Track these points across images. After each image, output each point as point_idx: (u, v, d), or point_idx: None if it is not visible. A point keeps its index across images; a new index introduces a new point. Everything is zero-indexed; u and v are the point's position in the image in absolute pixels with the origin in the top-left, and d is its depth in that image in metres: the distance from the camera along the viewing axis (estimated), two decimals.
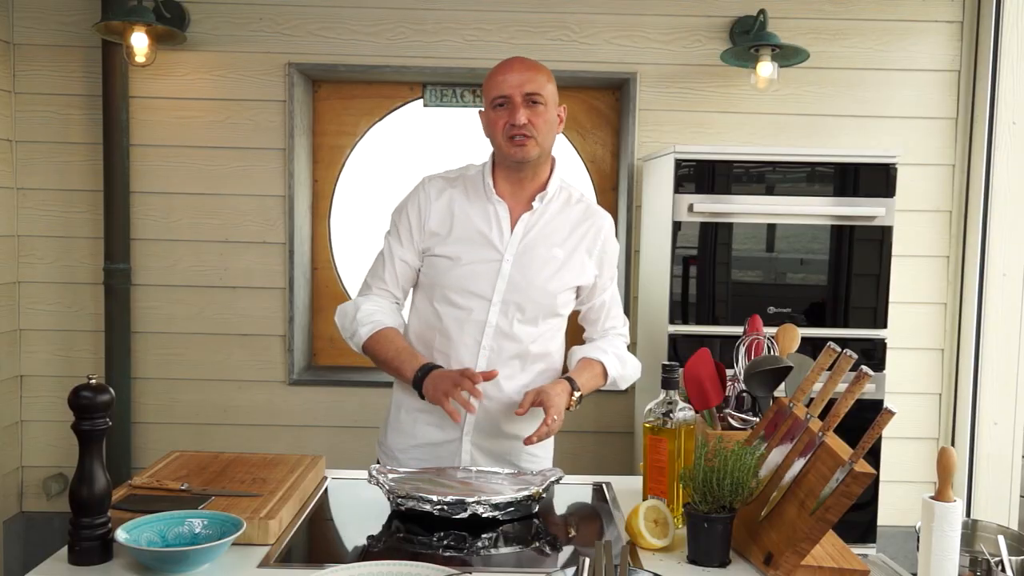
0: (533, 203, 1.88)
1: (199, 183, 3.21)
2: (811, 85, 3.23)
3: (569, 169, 3.39)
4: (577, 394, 1.81)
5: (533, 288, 1.85)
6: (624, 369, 1.95)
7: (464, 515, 1.51)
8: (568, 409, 1.79)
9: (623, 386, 1.98)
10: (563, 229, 1.90)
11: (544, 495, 1.61)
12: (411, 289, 1.97)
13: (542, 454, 1.96)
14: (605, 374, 1.92)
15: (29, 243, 3.21)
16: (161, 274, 3.23)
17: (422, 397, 1.77)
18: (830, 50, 3.21)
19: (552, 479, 1.65)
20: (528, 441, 1.72)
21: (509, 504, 1.54)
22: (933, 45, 3.23)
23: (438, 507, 1.52)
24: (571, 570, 1.25)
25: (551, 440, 1.95)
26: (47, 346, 3.25)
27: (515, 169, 1.87)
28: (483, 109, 1.88)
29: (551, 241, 1.88)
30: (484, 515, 1.52)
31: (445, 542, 1.47)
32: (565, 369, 1.97)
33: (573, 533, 1.59)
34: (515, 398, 1.83)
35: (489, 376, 1.75)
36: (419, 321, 1.93)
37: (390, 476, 1.64)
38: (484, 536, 1.49)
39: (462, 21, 3.19)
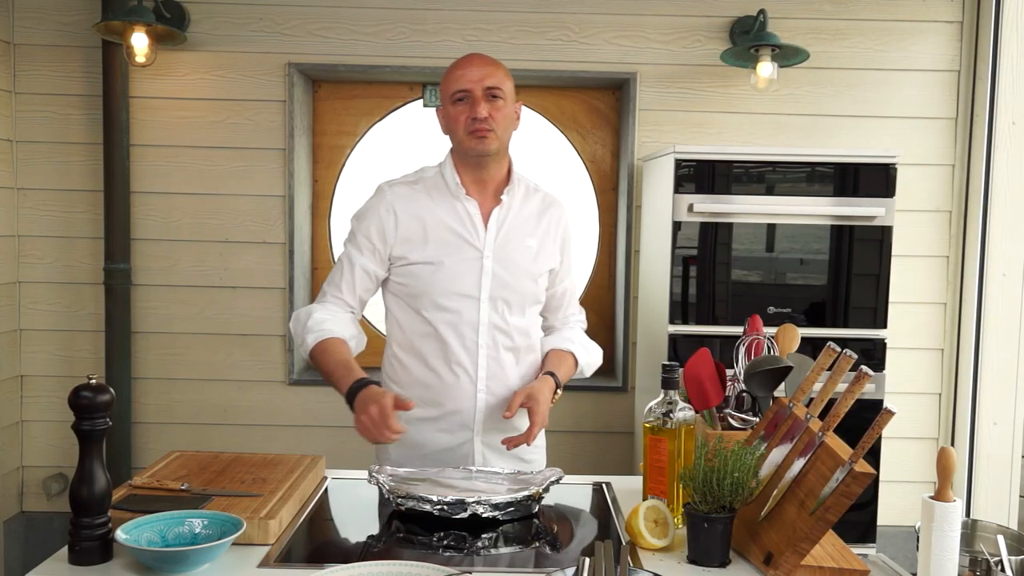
0: (502, 197, 1.89)
1: (199, 183, 3.21)
2: (811, 85, 3.23)
3: (569, 169, 3.40)
4: (559, 390, 1.88)
5: (517, 280, 1.88)
6: (589, 356, 2.03)
7: (464, 515, 1.52)
8: (551, 404, 1.85)
9: (588, 373, 2.05)
10: (531, 219, 1.94)
11: (544, 495, 1.61)
12: (369, 300, 1.94)
13: (540, 443, 2.01)
14: (576, 364, 1.99)
15: (29, 243, 3.21)
16: (161, 274, 3.23)
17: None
18: (830, 50, 3.21)
19: (552, 479, 1.65)
20: (507, 442, 1.76)
21: (509, 504, 1.54)
22: (933, 45, 3.23)
23: (438, 507, 1.52)
24: (571, 570, 1.25)
25: (542, 431, 1.98)
26: (47, 346, 3.25)
27: (476, 165, 1.87)
28: (440, 106, 1.89)
29: (524, 231, 1.91)
30: (484, 515, 1.52)
31: (445, 542, 1.47)
32: None
33: (572, 533, 1.59)
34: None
35: (405, 407, 1.67)
36: (407, 335, 1.90)
37: (390, 476, 1.64)
38: (484, 536, 1.50)
39: (462, 21, 3.19)
